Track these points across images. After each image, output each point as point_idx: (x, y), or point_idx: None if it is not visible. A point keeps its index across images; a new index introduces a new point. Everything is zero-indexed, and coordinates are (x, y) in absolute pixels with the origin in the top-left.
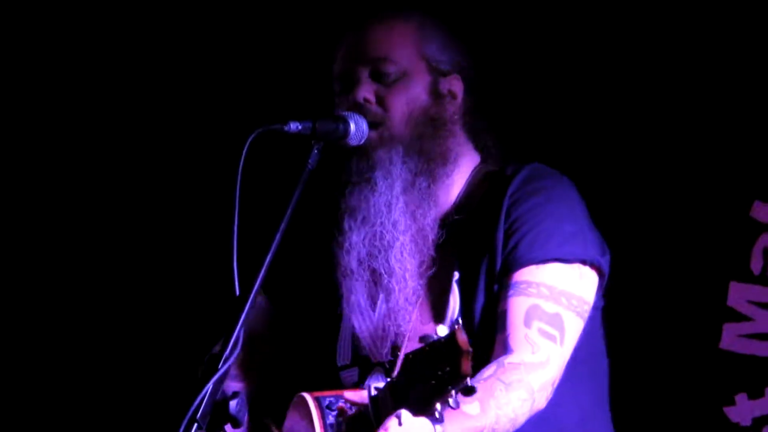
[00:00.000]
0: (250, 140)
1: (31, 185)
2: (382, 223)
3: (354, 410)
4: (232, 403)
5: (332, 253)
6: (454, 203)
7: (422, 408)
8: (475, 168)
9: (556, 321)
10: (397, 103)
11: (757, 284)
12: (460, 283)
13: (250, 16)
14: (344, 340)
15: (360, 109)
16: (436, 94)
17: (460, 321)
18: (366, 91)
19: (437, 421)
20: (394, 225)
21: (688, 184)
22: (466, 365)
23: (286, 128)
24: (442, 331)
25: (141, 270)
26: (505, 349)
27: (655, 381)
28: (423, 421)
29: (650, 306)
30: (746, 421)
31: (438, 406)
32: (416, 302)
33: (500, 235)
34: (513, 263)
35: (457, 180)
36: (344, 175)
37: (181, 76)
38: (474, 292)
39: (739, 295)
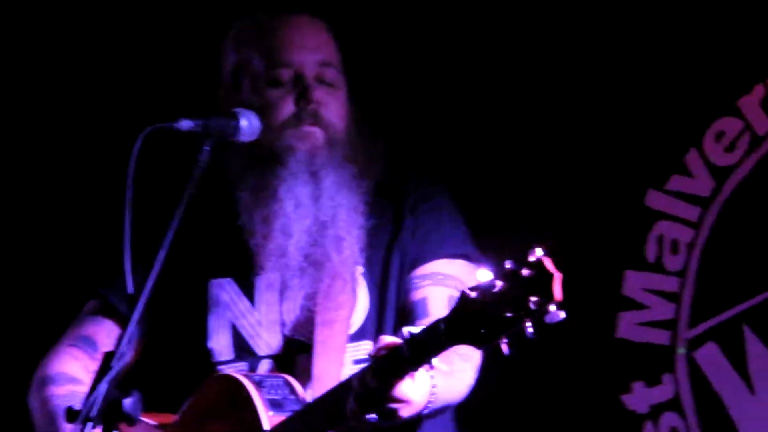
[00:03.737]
0: (141, 138)
1: None
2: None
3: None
4: (127, 402)
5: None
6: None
7: (485, 341)
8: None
9: None
10: (339, 107)
11: (652, 272)
12: (367, 275)
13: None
14: (219, 336)
15: (313, 111)
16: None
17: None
18: (319, 93)
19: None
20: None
21: (582, 174)
22: (558, 289)
23: (177, 126)
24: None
25: (32, 267)
26: None
27: (551, 370)
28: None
29: None
30: (643, 409)
31: (505, 338)
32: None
33: (408, 226)
34: (425, 255)
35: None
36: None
37: (73, 73)
38: (385, 281)
39: (634, 283)
